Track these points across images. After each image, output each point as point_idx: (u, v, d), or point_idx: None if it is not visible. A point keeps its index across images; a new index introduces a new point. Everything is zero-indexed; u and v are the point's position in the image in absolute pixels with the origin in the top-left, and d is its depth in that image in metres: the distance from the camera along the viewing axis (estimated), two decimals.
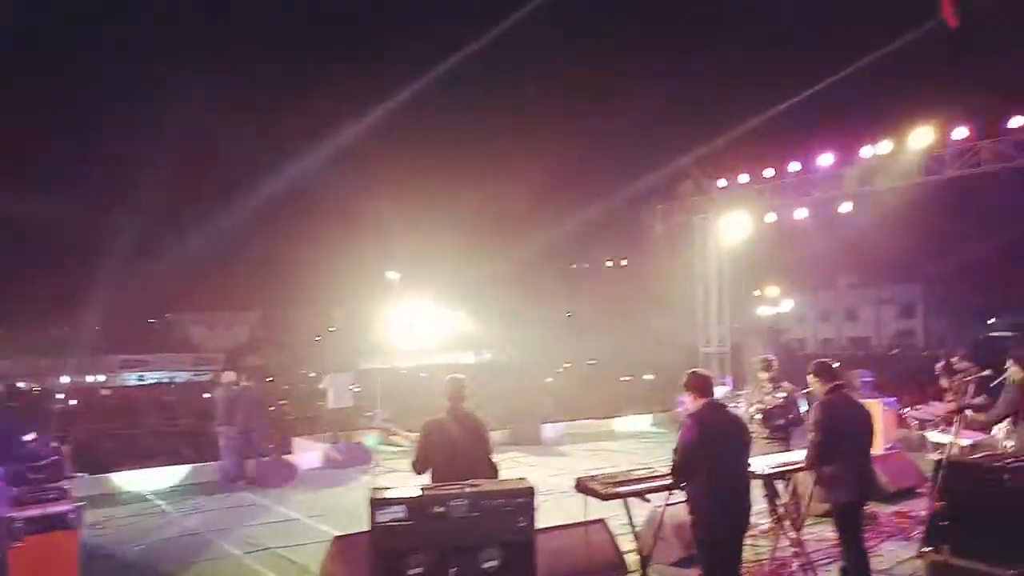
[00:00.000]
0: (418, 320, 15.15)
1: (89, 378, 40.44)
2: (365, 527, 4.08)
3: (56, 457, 6.67)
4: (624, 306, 29.91)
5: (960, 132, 13.64)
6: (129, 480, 11.23)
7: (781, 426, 7.30)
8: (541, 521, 4.26)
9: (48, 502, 5.83)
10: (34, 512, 5.67)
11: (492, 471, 5.23)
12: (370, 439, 13.68)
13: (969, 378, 9.45)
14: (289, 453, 13.05)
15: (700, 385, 4.83)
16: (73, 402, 21.84)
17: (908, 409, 10.65)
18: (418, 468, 5.32)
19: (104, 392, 28.87)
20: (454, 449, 5.19)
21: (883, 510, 7.71)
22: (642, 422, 17.09)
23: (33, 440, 6.83)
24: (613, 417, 17.24)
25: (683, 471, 4.67)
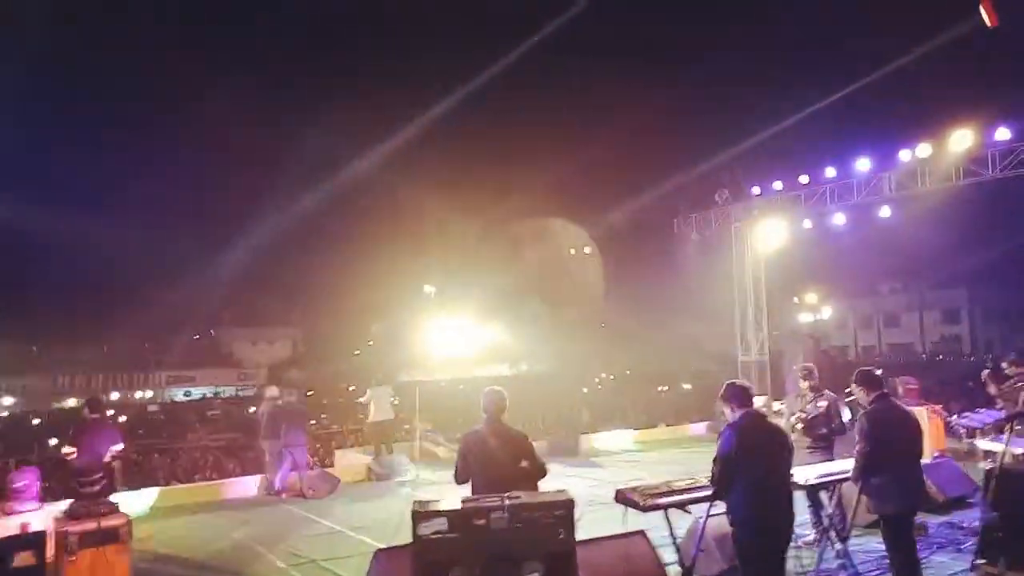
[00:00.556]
0: (454, 332, 15.27)
1: (138, 394, 41.52)
2: (407, 539, 4.13)
3: (108, 472, 6.91)
4: (661, 315, 29.68)
5: (1002, 133, 13.32)
6: (176, 494, 11.49)
7: (823, 435, 7.19)
8: (581, 533, 4.27)
9: (100, 516, 6.01)
10: (87, 526, 5.85)
11: (533, 481, 5.25)
12: (411, 451, 13.79)
13: (1021, 384, 9.19)
14: (331, 466, 13.24)
15: (739, 395, 4.80)
16: (123, 418, 22.41)
17: (956, 416, 10.38)
18: (458, 479, 5.38)
19: (152, 408, 29.55)
20: (493, 461, 5.23)
21: (933, 520, 7.52)
22: (681, 432, 16.93)
23: (86, 455, 7.07)
24: (652, 427, 17.12)
25: (723, 482, 4.65)
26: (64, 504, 6.60)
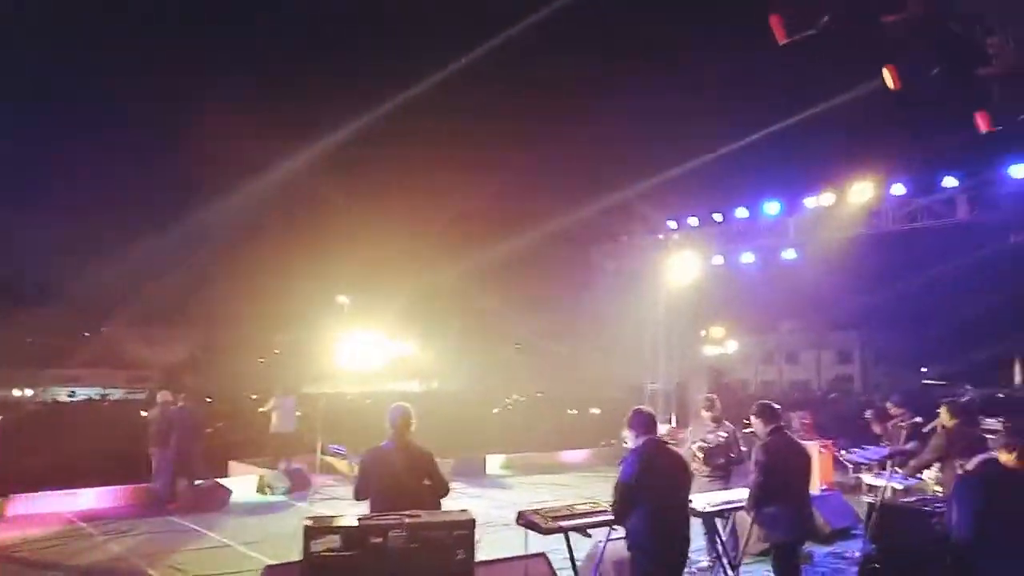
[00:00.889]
0: (366, 345, 14.96)
1: (16, 392, 38.62)
2: (297, 557, 3.96)
3: None
4: (574, 340, 30.09)
5: (898, 188, 14.20)
6: (54, 500, 10.70)
7: (722, 464, 7.39)
8: (482, 554, 4.21)
9: None
10: None
11: (436, 501, 5.15)
12: (311, 465, 13.36)
13: (902, 424, 9.77)
14: (225, 477, 12.65)
15: (643, 422, 4.87)
16: None
17: (844, 452, 10.92)
18: (358, 496, 5.22)
19: (32, 407, 27.54)
20: (396, 479, 5.10)
21: (819, 550, 7.84)
22: (587, 456, 17.12)
23: None
24: (558, 450, 17.23)
25: (623, 506, 4.68)
26: None
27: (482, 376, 30.54)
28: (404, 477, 5.13)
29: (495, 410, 23.53)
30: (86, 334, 50.49)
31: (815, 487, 8.49)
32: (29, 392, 39.18)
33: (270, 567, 5.81)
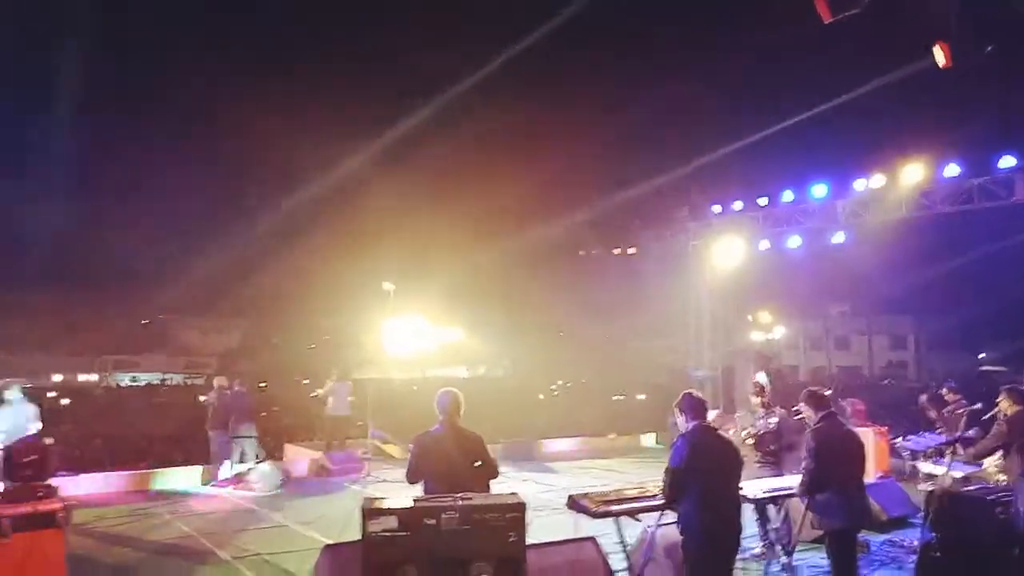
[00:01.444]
0: (412, 332, 15.16)
1: (82, 377, 40.28)
2: (354, 536, 4.10)
3: (46, 454, 6.68)
4: (619, 326, 29.98)
5: (952, 169, 13.75)
6: (119, 481, 11.19)
7: (773, 451, 7.34)
8: (532, 537, 4.28)
9: (36, 500, 5.81)
10: (22, 509, 5.65)
11: (486, 484, 5.25)
12: (363, 449, 13.65)
13: (960, 411, 9.53)
14: (281, 459, 13.03)
15: (694, 406, 4.88)
16: (65, 401, 21.70)
17: (900, 439, 10.70)
18: (410, 479, 5.36)
19: (97, 392, 28.69)
20: (447, 462, 5.22)
21: (876, 538, 7.73)
22: (634, 442, 17.11)
23: (24, 437, 6.85)
24: (605, 435, 17.26)
25: (673, 491, 4.71)
26: None
27: (528, 362, 30.65)
28: (455, 460, 5.24)
29: (541, 396, 23.62)
30: (145, 322, 52.21)
31: (870, 474, 8.35)
32: (95, 377, 40.79)
33: (328, 546, 6.00)
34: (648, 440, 16.91)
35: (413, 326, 15.31)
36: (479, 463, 5.36)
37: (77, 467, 11.22)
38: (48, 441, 7.33)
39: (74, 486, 10.11)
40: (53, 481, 6.33)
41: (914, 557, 6.85)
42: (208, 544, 7.97)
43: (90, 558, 7.29)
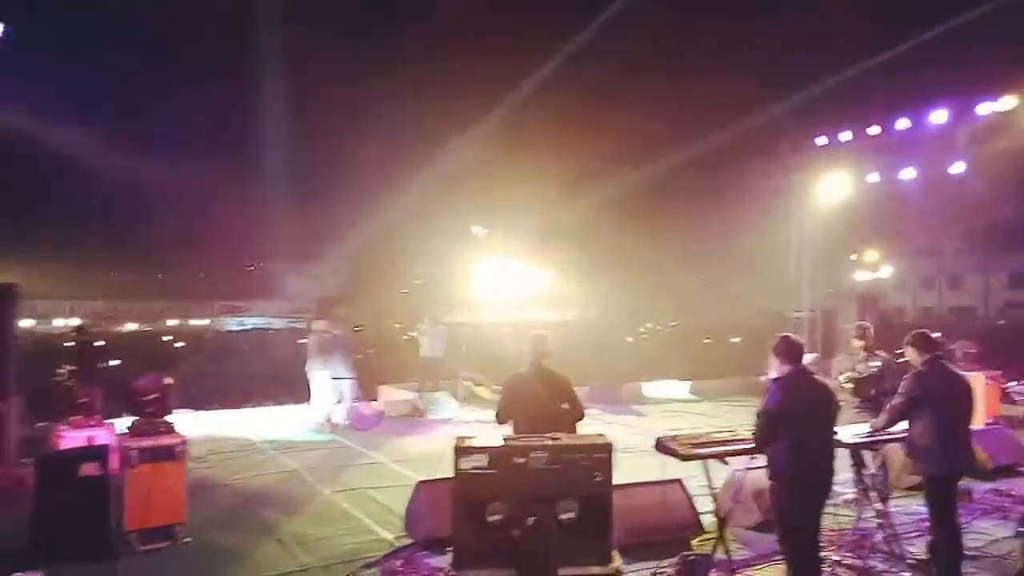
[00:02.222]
0: (502, 275, 15.30)
1: (193, 321, 43.02)
2: (446, 473, 4.23)
3: (166, 393, 7.21)
4: (711, 267, 29.24)
5: None
6: (230, 419, 11.99)
7: (872, 396, 7.04)
8: (618, 478, 4.30)
9: (158, 434, 6.31)
10: (146, 443, 6.14)
11: (573, 425, 5.31)
12: (454, 390, 14.04)
13: None
14: (376, 400, 13.60)
15: (789, 350, 4.71)
16: (180, 344, 23.32)
17: (1014, 384, 10.05)
18: (500, 419, 5.49)
19: (208, 336, 30.63)
20: (535, 402, 5.31)
21: (980, 486, 7.37)
22: (725, 386, 16.82)
23: (147, 376, 7.40)
24: (695, 379, 17.05)
25: (765, 436, 4.61)
26: (125, 421, 6.94)
27: (618, 305, 30.42)
28: (543, 401, 5.32)
29: (629, 339, 23.50)
30: (250, 267, 54.88)
31: (979, 420, 7.92)
32: (206, 322, 43.50)
33: (423, 482, 6.26)
34: (740, 384, 16.58)
35: (502, 269, 15.44)
36: (566, 405, 5.42)
37: (192, 405, 12.05)
38: (167, 380, 7.91)
39: (189, 423, 10.89)
40: (171, 417, 6.85)
41: (1020, 507, 6.52)
42: (310, 479, 8.47)
43: (205, 489, 7.89)
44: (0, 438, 8.02)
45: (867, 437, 5.62)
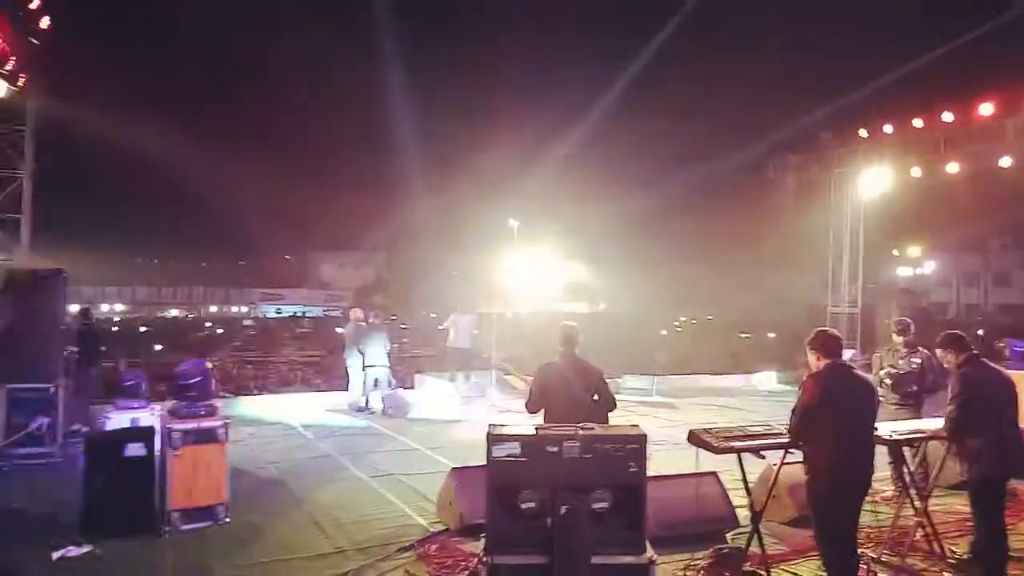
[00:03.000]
0: (535, 268, 15.32)
1: (233, 308, 43.89)
2: (479, 461, 4.28)
3: (208, 377, 7.40)
4: (748, 261, 28.85)
5: None
6: (270, 403, 12.24)
7: (913, 392, 6.92)
8: (653, 470, 4.30)
9: (200, 417, 6.47)
10: (189, 425, 6.31)
11: (605, 415, 5.32)
12: (487, 379, 14.12)
13: None
14: (412, 387, 13.75)
15: (826, 344, 4.65)
16: (219, 329, 23.82)
17: None
18: (531, 408, 5.52)
19: (246, 322, 31.22)
20: (567, 392, 5.33)
21: None
22: (760, 380, 16.63)
23: (189, 360, 7.60)
24: (729, 374, 16.88)
25: (800, 433, 4.57)
26: (168, 404, 7.14)
27: (651, 298, 30.21)
28: (574, 391, 5.34)
29: (664, 332, 23.35)
30: (287, 257, 55.69)
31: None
32: (244, 309, 44.29)
33: (456, 468, 6.33)
34: (775, 380, 16.37)
35: (536, 262, 15.46)
36: (596, 396, 5.43)
37: (232, 390, 12.34)
38: (208, 365, 8.10)
39: (230, 407, 11.14)
40: (213, 401, 7.02)
41: None
42: (346, 463, 8.61)
43: (245, 470, 8.07)
44: (53, 417, 8.30)
45: (907, 434, 5.54)
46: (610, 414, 5.58)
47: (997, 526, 5.04)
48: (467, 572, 4.99)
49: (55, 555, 5.32)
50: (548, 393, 5.47)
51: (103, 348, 9.69)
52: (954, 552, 5.48)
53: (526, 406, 5.64)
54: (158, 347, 17.64)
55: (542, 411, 5.49)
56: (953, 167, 15.15)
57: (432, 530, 6.06)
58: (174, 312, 39.06)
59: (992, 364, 5.36)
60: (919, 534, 5.57)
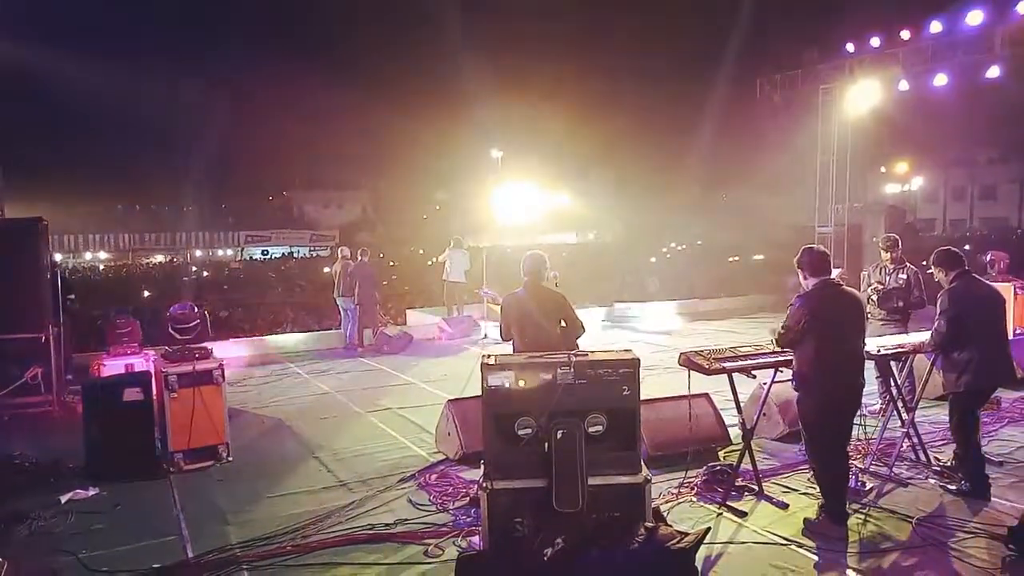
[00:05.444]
0: (521, 199, 15.20)
1: (219, 252, 43.55)
2: (474, 392, 4.33)
3: (200, 321, 7.39)
4: (735, 183, 28.77)
5: None
6: (260, 345, 12.28)
7: (899, 308, 7.02)
8: (645, 394, 4.37)
9: (195, 360, 6.49)
10: (185, 368, 6.33)
11: (573, 341, 5.38)
12: (480, 312, 14.20)
13: None
14: (403, 324, 13.81)
15: (814, 262, 4.66)
16: (206, 273, 23.67)
17: None
18: (503, 337, 5.69)
19: (233, 265, 31.02)
20: (531, 321, 5.43)
21: (1008, 395, 7.40)
22: (749, 303, 16.82)
23: (180, 305, 7.58)
24: (718, 297, 17.04)
25: (788, 343, 4.62)
26: (162, 349, 7.14)
27: (639, 226, 30.19)
28: (539, 319, 5.42)
29: (653, 259, 23.40)
30: (270, 198, 55.00)
31: (1011, 331, 7.86)
32: (230, 252, 43.95)
33: (452, 400, 6.42)
34: (764, 301, 16.55)
35: (521, 192, 15.32)
36: (563, 323, 5.49)
37: (222, 333, 12.33)
38: (200, 308, 8.08)
39: (221, 350, 11.16)
40: (207, 344, 7.03)
41: None
42: (343, 400, 8.72)
43: (243, 412, 8.17)
44: (46, 366, 8.30)
45: (894, 349, 5.63)
46: (579, 339, 5.58)
47: (975, 432, 5.20)
48: (468, 498, 5.11)
49: (63, 498, 5.41)
50: (512, 321, 5.56)
51: (71, 296, 9.57)
52: (939, 460, 5.66)
53: (499, 335, 5.77)
54: (146, 293, 17.55)
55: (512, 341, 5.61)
56: (941, 79, 14.95)
57: (432, 460, 6.18)
58: (159, 258, 38.70)
59: (982, 279, 5.41)
60: (906, 444, 5.74)
